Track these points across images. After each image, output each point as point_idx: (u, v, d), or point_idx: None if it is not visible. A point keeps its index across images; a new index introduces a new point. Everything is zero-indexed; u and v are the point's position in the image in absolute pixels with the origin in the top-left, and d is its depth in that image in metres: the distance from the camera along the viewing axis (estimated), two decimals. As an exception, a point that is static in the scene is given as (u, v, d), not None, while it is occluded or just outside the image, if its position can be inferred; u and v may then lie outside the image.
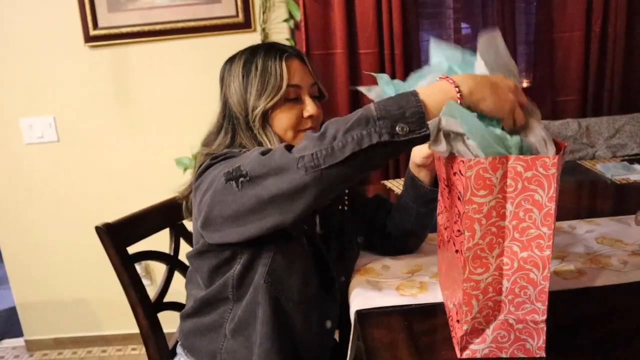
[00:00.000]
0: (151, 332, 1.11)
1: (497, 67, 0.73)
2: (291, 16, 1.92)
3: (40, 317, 2.27)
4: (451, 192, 0.73)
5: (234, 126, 0.97)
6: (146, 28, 1.93)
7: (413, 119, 0.66)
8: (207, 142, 0.99)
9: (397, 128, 0.65)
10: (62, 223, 2.14)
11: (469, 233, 0.66)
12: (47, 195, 2.12)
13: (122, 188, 2.10)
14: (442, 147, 0.66)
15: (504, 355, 0.72)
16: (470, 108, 0.68)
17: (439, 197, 0.88)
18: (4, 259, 2.22)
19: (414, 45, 2.05)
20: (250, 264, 0.89)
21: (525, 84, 2.20)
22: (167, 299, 1.19)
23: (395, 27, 1.91)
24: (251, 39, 1.92)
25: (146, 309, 1.11)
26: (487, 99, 0.68)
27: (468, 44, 2.25)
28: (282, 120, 0.95)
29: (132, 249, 1.12)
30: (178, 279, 1.22)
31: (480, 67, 0.73)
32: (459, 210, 0.68)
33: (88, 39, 1.94)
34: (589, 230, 1.14)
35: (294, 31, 1.97)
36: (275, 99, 0.93)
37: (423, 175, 1.00)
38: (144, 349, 1.13)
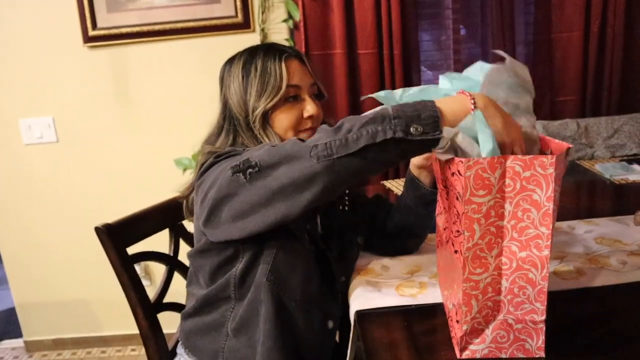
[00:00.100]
0: (151, 333, 1.11)
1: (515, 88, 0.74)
2: (290, 16, 1.92)
3: (40, 317, 2.27)
4: (449, 192, 0.73)
5: (234, 127, 0.97)
6: (145, 28, 1.93)
7: (428, 122, 0.68)
8: (208, 143, 0.99)
9: (411, 128, 0.67)
10: (62, 223, 2.14)
11: (468, 233, 0.66)
12: (47, 196, 2.12)
13: (121, 188, 2.10)
14: (446, 156, 0.68)
15: (503, 356, 0.72)
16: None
17: (438, 198, 0.88)
18: (4, 259, 2.22)
19: (413, 46, 2.05)
20: (252, 263, 0.89)
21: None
22: (166, 299, 1.19)
23: (394, 27, 1.91)
24: (250, 39, 1.92)
25: (146, 309, 1.11)
26: (498, 118, 0.70)
27: (466, 44, 2.26)
28: (283, 120, 0.95)
29: (131, 250, 1.12)
30: (178, 279, 1.22)
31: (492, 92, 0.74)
32: (457, 211, 0.68)
33: (87, 39, 1.94)
34: (588, 231, 1.14)
35: (293, 31, 1.97)
36: (275, 99, 0.93)
37: (424, 177, 1.00)
38: (143, 350, 1.13)
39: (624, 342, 0.75)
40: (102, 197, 2.10)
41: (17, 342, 2.35)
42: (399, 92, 0.80)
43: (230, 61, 0.99)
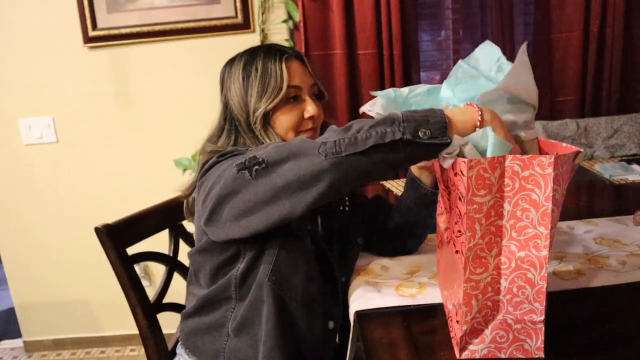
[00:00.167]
0: (150, 333, 1.11)
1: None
2: (290, 17, 1.92)
3: (39, 317, 2.27)
4: (451, 193, 0.73)
5: (235, 128, 0.97)
6: (145, 29, 1.93)
7: (436, 127, 0.69)
8: (210, 143, 0.99)
9: (420, 132, 0.69)
10: (61, 223, 2.14)
11: (469, 233, 0.66)
12: (47, 196, 2.12)
13: (121, 188, 2.10)
14: (449, 163, 0.69)
15: (502, 356, 0.72)
16: None
17: (439, 199, 0.88)
18: (3, 259, 2.22)
19: (413, 46, 2.05)
20: (254, 263, 0.89)
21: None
22: (166, 299, 1.19)
23: (394, 27, 1.92)
24: (250, 39, 1.92)
25: (145, 309, 1.11)
26: (501, 132, 0.73)
27: (466, 44, 2.26)
28: (283, 121, 0.96)
29: (131, 250, 1.12)
30: (177, 279, 1.22)
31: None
32: (460, 211, 0.68)
33: (87, 39, 1.94)
34: (588, 231, 1.15)
35: (293, 32, 1.97)
36: (276, 100, 0.94)
37: (424, 177, 1.00)
38: (143, 350, 1.13)
39: (623, 342, 0.75)
40: (102, 197, 2.10)
41: (17, 343, 2.35)
42: (405, 90, 0.81)
43: (231, 62, 1.00)
